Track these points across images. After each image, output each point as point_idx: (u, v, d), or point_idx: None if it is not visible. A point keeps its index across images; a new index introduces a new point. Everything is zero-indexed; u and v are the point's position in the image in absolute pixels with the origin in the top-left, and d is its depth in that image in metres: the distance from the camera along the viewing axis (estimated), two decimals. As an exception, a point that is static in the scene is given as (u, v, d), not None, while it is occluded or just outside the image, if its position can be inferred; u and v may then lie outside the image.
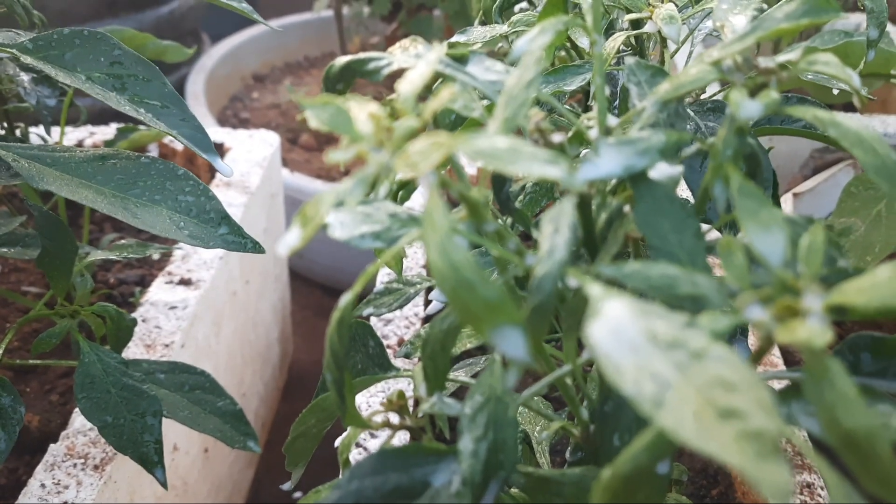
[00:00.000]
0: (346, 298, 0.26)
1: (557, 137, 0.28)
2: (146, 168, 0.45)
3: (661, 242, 0.27)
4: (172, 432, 0.71)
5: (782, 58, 0.31)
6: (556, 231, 0.24)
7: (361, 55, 0.32)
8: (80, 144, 0.96)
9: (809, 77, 0.48)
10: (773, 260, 0.23)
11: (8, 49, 0.45)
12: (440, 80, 0.45)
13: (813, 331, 0.20)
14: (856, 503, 0.20)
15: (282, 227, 1.09)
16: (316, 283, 1.37)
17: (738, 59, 0.29)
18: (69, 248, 0.51)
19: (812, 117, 0.27)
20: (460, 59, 0.34)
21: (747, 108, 0.27)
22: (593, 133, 0.32)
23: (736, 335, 0.38)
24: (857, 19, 1.30)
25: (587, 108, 0.61)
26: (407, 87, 0.22)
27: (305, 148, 1.51)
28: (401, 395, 0.32)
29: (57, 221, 0.49)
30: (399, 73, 0.33)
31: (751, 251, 0.24)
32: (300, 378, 1.19)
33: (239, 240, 0.46)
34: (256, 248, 0.47)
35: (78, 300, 0.60)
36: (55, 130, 0.87)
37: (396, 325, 0.69)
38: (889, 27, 1.22)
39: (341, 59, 0.32)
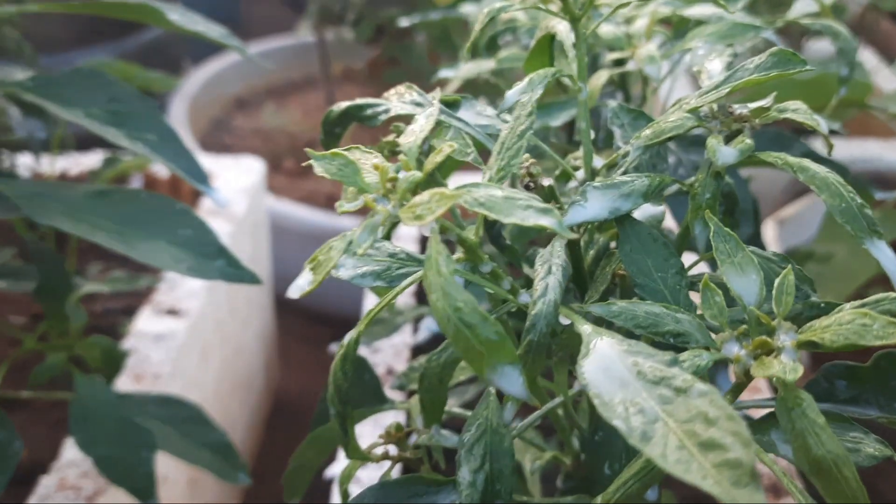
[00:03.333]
0: (351, 336, 0.27)
1: (546, 181, 0.30)
2: (145, 203, 0.47)
3: (645, 280, 0.29)
4: (160, 463, 0.71)
5: (755, 105, 0.33)
6: (548, 272, 0.26)
7: (359, 101, 0.34)
8: (64, 173, 0.97)
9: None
10: (748, 299, 0.25)
11: (10, 87, 0.46)
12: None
13: (785, 366, 0.22)
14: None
15: (267, 254, 1.10)
16: (299, 310, 1.38)
17: (715, 107, 0.31)
18: (65, 281, 0.52)
19: (783, 164, 0.29)
20: (452, 105, 0.35)
21: (724, 154, 0.29)
22: (580, 174, 0.34)
23: (717, 368, 0.40)
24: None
25: (571, 136, 0.63)
26: (409, 139, 0.24)
27: (288, 173, 1.52)
28: (399, 427, 0.33)
29: (53, 255, 0.50)
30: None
31: (729, 289, 0.26)
32: (285, 406, 1.19)
33: (236, 271, 0.47)
34: (253, 279, 0.48)
35: (73, 333, 0.61)
36: (44, 161, 0.88)
37: (385, 354, 0.70)
38: (865, 56, 1.25)
39: (340, 105, 0.34)
